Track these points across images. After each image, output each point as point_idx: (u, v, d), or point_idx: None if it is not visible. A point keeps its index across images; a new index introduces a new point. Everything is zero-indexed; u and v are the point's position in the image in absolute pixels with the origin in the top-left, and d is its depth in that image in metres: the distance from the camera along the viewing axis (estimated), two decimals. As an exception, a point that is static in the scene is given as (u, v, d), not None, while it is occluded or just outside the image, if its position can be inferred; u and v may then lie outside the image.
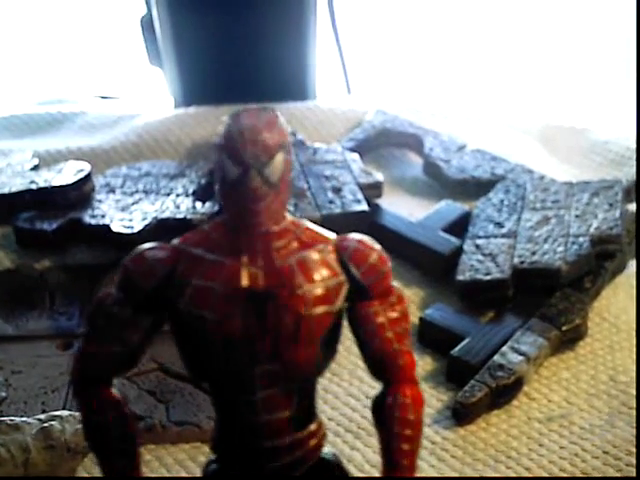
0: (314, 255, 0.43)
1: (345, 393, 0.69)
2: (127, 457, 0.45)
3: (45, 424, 0.59)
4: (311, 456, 0.46)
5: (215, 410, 0.46)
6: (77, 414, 0.60)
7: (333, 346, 0.45)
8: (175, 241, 0.44)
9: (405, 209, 0.88)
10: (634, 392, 0.68)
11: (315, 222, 0.76)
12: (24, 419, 0.59)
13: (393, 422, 0.45)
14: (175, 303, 0.43)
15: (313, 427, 0.46)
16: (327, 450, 0.47)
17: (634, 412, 0.66)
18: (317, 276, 0.43)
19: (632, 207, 0.86)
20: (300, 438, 0.45)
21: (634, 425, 0.65)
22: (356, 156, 0.89)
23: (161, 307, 0.44)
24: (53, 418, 0.59)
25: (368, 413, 0.65)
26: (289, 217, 0.44)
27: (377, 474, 0.60)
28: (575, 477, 0.62)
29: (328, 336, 0.44)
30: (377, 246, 0.45)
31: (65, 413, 0.60)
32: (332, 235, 0.45)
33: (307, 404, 0.46)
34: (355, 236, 0.45)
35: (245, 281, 0.42)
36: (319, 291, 0.43)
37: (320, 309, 0.43)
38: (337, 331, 0.45)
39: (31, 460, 0.58)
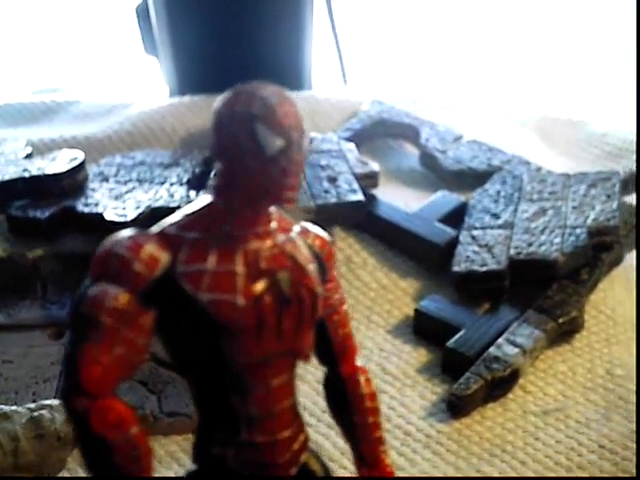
0: (298, 239, 0.43)
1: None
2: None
3: (35, 413, 0.58)
4: (303, 450, 0.43)
5: (203, 412, 0.43)
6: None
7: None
8: (156, 227, 0.41)
9: (401, 200, 0.87)
10: (631, 386, 0.68)
11: (310, 212, 0.77)
12: (14, 408, 0.59)
13: (363, 398, 0.45)
14: (191, 292, 0.39)
15: (300, 419, 0.44)
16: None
17: (631, 406, 0.66)
18: (310, 259, 0.42)
19: (629, 199, 0.85)
20: (295, 430, 0.43)
21: (630, 419, 0.64)
22: (352, 146, 0.88)
23: (165, 299, 0.40)
24: (43, 407, 0.59)
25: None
26: None
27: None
28: (575, 477, 0.61)
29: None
30: (324, 233, 0.45)
31: (55, 402, 0.59)
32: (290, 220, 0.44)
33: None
34: (306, 223, 0.45)
35: (263, 263, 0.40)
36: (315, 272, 0.42)
37: (321, 289, 0.42)
38: None
39: (20, 449, 0.57)
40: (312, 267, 0.42)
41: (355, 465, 0.46)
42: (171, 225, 0.41)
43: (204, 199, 0.41)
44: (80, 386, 0.38)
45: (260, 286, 0.40)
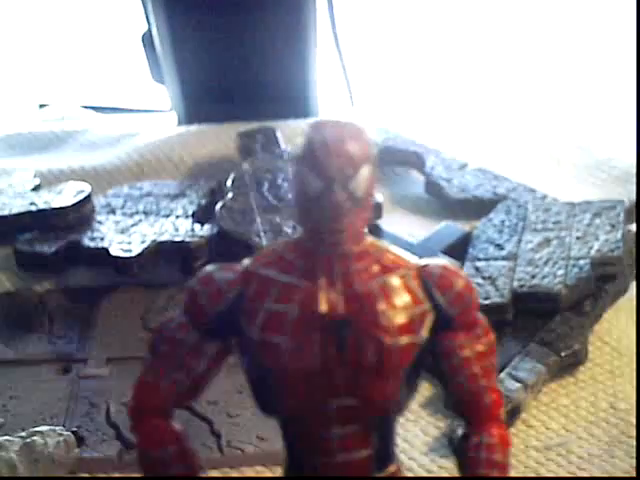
0: (396, 280, 0.41)
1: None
2: None
3: (27, 440, 0.60)
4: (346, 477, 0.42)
5: (286, 448, 0.44)
6: (57, 428, 0.62)
7: (415, 381, 0.43)
8: (245, 262, 0.42)
9: (406, 228, 0.88)
10: (633, 420, 0.68)
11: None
12: (6, 437, 0.60)
13: (479, 464, 0.43)
14: (245, 329, 0.41)
15: (393, 468, 0.44)
16: None
17: (633, 441, 0.66)
18: (400, 303, 0.41)
19: (634, 227, 0.85)
20: (379, 478, 0.43)
21: (633, 455, 0.64)
22: (357, 176, 0.88)
23: (229, 333, 0.42)
24: (34, 434, 0.61)
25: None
26: (369, 238, 0.42)
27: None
28: (575, 477, 0.62)
29: (411, 370, 0.42)
30: (463, 272, 0.44)
31: (45, 428, 0.61)
32: (414, 259, 0.43)
33: (386, 443, 0.43)
34: (439, 261, 0.43)
35: (323, 306, 0.40)
36: (403, 319, 0.41)
37: (404, 339, 0.41)
38: (420, 364, 0.42)
39: (18, 475, 0.59)
40: (394, 314, 0.40)
41: None
42: (256, 260, 0.42)
43: (295, 236, 0.42)
44: (134, 405, 0.43)
45: (309, 330, 0.40)
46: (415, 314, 0.41)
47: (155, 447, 0.43)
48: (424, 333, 0.41)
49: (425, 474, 0.63)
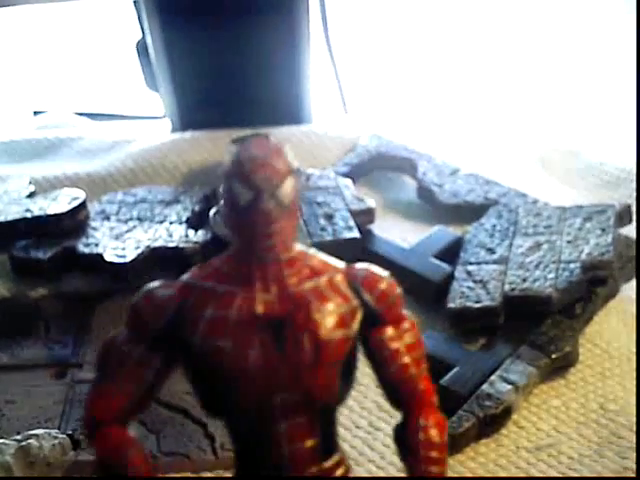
0: (326, 281, 0.44)
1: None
2: None
3: (23, 443, 0.60)
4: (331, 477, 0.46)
5: (235, 446, 0.47)
6: (52, 431, 0.62)
7: (352, 374, 0.46)
8: (184, 276, 0.45)
9: (399, 233, 0.88)
10: (623, 421, 0.68)
11: (306, 250, 0.78)
12: (1, 441, 0.61)
13: (418, 446, 0.45)
14: (189, 338, 0.43)
15: (337, 457, 0.46)
16: None
17: (623, 442, 0.66)
18: (331, 300, 0.44)
19: (624, 231, 0.86)
20: (327, 468, 0.45)
21: (623, 455, 0.65)
22: (349, 182, 0.89)
23: (173, 344, 0.44)
24: (29, 437, 0.61)
25: (357, 442, 0.66)
26: (298, 246, 0.45)
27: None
28: (575, 477, 0.63)
29: (346, 362, 0.45)
30: (385, 273, 0.47)
31: (40, 431, 0.62)
32: (340, 264, 0.46)
33: (330, 433, 0.46)
34: (363, 265, 0.46)
35: (260, 308, 0.43)
36: (335, 315, 0.43)
37: (338, 333, 0.43)
38: (354, 358, 0.45)
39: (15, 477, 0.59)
40: (326, 311, 0.43)
41: None
42: (194, 274, 0.45)
43: (227, 251, 0.45)
44: (89, 416, 0.45)
45: (249, 331, 0.43)
46: (345, 310, 0.44)
47: (112, 453, 0.45)
48: (355, 327, 0.44)
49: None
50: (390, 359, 0.46)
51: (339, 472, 0.46)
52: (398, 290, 0.47)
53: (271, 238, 0.43)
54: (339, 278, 0.45)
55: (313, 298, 0.43)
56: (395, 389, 0.46)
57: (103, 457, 0.45)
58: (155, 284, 0.45)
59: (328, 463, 0.45)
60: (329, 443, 0.46)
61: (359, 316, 0.45)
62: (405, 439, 0.46)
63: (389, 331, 0.46)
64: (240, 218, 0.43)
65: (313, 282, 0.44)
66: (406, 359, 0.46)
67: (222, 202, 0.44)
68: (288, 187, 0.43)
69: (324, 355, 0.43)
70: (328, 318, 0.43)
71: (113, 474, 0.45)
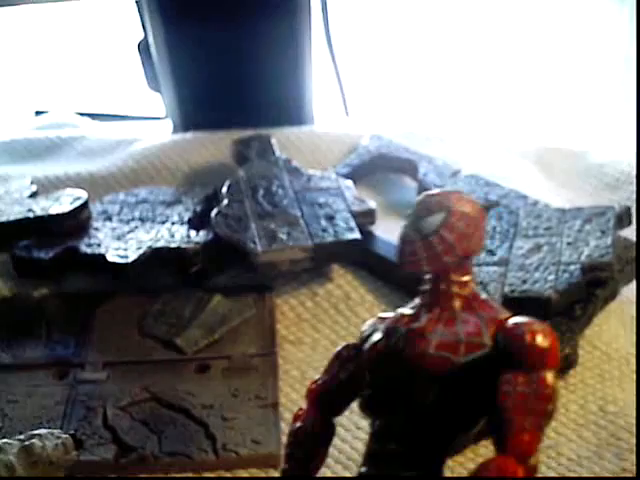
0: (470, 316, 0.50)
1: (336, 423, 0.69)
2: None
3: (26, 442, 0.60)
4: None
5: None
6: (55, 431, 0.62)
7: None
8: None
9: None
10: (622, 423, 0.69)
11: (307, 250, 0.78)
12: (4, 440, 0.61)
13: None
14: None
15: None
16: None
17: (622, 444, 0.67)
18: (459, 328, 0.49)
19: (624, 232, 0.86)
20: None
21: (622, 457, 0.65)
22: (350, 183, 0.89)
23: None
24: (32, 437, 0.61)
25: (358, 444, 0.67)
26: (479, 295, 0.51)
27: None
28: (575, 477, 0.63)
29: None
30: (540, 327, 0.47)
31: (43, 431, 0.62)
32: (506, 313, 0.50)
33: None
34: (522, 318, 0.48)
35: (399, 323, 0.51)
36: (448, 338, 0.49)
37: (440, 351, 0.49)
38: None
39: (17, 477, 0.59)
40: (443, 337, 0.49)
41: None
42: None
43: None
44: None
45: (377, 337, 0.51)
46: (469, 341, 0.49)
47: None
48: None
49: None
50: (500, 396, 0.46)
51: None
52: (547, 342, 0.47)
53: (414, 265, 0.52)
54: (488, 319, 0.50)
55: (437, 328, 0.50)
56: (494, 429, 0.47)
57: None
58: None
59: None
60: None
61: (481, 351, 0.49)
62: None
63: (511, 374, 0.46)
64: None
65: (462, 316, 0.51)
66: (509, 403, 0.46)
67: None
68: (433, 219, 0.51)
69: (429, 366, 0.49)
70: (434, 340, 0.49)
71: None
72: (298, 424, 0.55)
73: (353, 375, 0.53)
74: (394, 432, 0.50)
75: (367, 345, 0.52)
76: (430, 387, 0.49)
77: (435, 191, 0.51)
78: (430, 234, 0.49)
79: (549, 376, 0.46)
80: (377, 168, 0.99)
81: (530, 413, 0.46)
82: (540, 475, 0.63)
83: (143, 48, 1.05)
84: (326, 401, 0.55)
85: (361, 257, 0.83)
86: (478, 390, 0.48)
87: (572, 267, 0.78)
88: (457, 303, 0.50)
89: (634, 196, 0.96)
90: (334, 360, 0.55)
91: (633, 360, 0.75)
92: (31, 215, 0.83)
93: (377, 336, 0.51)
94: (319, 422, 0.55)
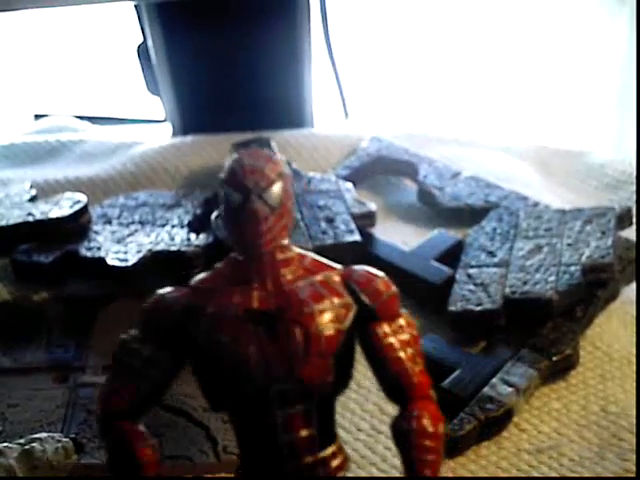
0: (320, 280, 0.48)
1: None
2: None
3: (26, 446, 0.60)
4: (333, 477, 0.48)
5: (237, 438, 0.50)
6: (56, 435, 0.62)
7: (347, 368, 0.49)
8: (191, 282, 0.49)
9: (400, 236, 0.88)
10: (624, 423, 0.69)
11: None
12: (5, 444, 0.61)
13: (412, 436, 0.47)
14: (194, 336, 0.47)
15: (334, 448, 0.49)
16: None
17: (624, 444, 0.67)
18: (324, 297, 0.47)
19: (625, 233, 0.86)
20: (322, 458, 0.48)
21: (624, 457, 0.65)
22: (350, 185, 0.89)
23: (181, 344, 0.48)
24: (33, 440, 0.61)
25: (359, 445, 0.67)
26: (295, 249, 0.49)
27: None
28: (575, 477, 0.63)
29: (340, 356, 0.47)
30: (381, 273, 0.50)
31: (44, 435, 0.62)
32: (337, 265, 0.49)
33: (327, 424, 0.49)
34: (359, 266, 0.50)
35: (255, 303, 0.46)
36: (327, 310, 0.47)
37: (329, 327, 0.46)
38: (350, 353, 0.49)
39: None
40: (318, 306, 0.46)
41: None
42: (199, 279, 0.49)
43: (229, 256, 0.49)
44: (101, 411, 0.49)
45: (246, 326, 0.46)
46: (338, 305, 0.47)
47: (123, 447, 0.48)
48: (347, 322, 0.47)
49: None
50: (385, 353, 0.48)
51: (335, 462, 0.48)
52: (393, 288, 0.50)
53: (260, 236, 0.46)
54: (335, 278, 0.48)
55: (305, 294, 0.47)
56: (391, 383, 0.48)
57: (113, 450, 0.48)
58: (166, 289, 0.49)
59: (325, 453, 0.48)
60: (326, 434, 0.49)
61: (352, 312, 0.48)
62: (399, 429, 0.48)
63: (384, 327, 0.48)
64: (232, 219, 0.47)
65: (307, 280, 0.47)
66: (401, 353, 0.48)
67: (221, 208, 0.48)
68: (276, 190, 0.46)
69: (314, 347, 0.46)
70: (319, 313, 0.46)
71: (122, 468, 0.48)
72: None
73: None
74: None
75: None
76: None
77: (245, 155, 0.47)
78: (277, 206, 0.47)
79: (406, 317, 0.49)
80: (377, 170, 0.99)
81: (415, 355, 0.49)
82: (542, 477, 0.63)
83: (142, 52, 1.05)
84: None
85: (361, 259, 0.82)
86: (351, 344, 0.49)
87: (573, 268, 0.78)
88: (298, 270, 0.48)
89: (635, 196, 0.96)
90: None
91: (634, 360, 0.75)
92: (31, 219, 0.83)
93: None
94: None
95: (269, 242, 0.47)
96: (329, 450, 0.48)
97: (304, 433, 0.47)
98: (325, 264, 0.49)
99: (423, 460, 0.47)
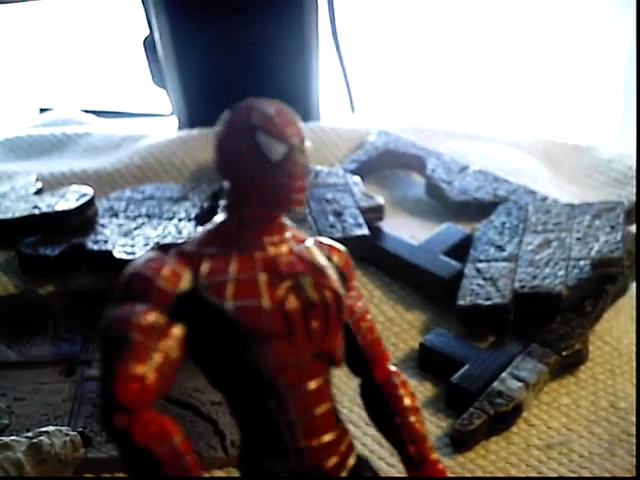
0: (314, 248, 0.45)
1: (345, 420, 0.69)
2: None
3: (34, 440, 0.60)
4: (350, 453, 0.45)
5: (245, 425, 0.44)
6: (63, 428, 0.62)
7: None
8: (177, 249, 0.43)
9: (407, 230, 0.88)
10: (634, 419, 0.68)
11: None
12: (13, 438, 0.60)
13: (402, 399, 0.48)
14: (214, 304, 0.41)
15: (342, 424, 0.46)
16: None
17: (633, 440, 0.66)
18: (328, 264, 0.45)
19: (633, 228, 0.86)
20: (339, 434, 0.45)
21: (633, 453, 0.65)
22: (357, 179, 0.89)
23: (192, 315, 0.41)
24: (41, 434, 0.61)
25: (367, 440, 0.66)
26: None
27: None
28: (575, 477, 0.63)
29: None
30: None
31: (51, 428, 0.62)
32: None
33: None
34: (320, 237, 0.47)
35: (284, 267, 0.43)
36: (336, 276, 0.45)
37: (342, 290, 0.45)
38: None
39: (25, 475, 0.59)
40: (331, 271, 0.44)
41: (404, 467, 0.49)
42: (189, 245, 0.43)
43: (218, 218, 0.44)
44: (118, 403, 0.39)
45: (283, 289, 0.42)
46: (335, 272, 0.45)
47: (159, 442, 0.40)
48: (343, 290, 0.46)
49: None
50: (359, 322, 0.48)
51: (346, 440, 0.45)
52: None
53: (302, 192, 0.43)
54: (316, 246, 0.46)
55: (317, 259, 0.44)
56: (363, 350, 0.48)
57: (146, 448, 0.39)
58: (151, 254, 0.43)
59: (340, 429, 0.45)
60: (336, 408, 0.46)
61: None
62: (379, 398, 0.48)
63: (353, 296, 0.47)
64: (270, 173, 0.42)
65: (304, 247, 0.44)
66: (368, 322, 0.48)
67: (235, 162, 0.42)
68: (309, 145, 0.43)
69: (342, 311, 0.44)
70: (334, 277, 0.44)
71: (155, 465, 0.40)
72: None
73: None
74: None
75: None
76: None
77: (272, 106, 0.42)
78: (306, 164, 0.43)
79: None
80: (384, 164, 0.99)
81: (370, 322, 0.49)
82: (552, 472, 0.63)
83: (149, 45, 1.05)
84: None
85: (369, 253, 0.82)
86: None
87: (582, 262, 0.77)
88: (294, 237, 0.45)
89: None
90: None
91: (643, 355, 0.75)
92: (37, 212, 0.83)
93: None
94: None
95: (304, 199, 0.43)
96: (342, 425, 0.45)
97: (328, 406, 0.44)
98: (299, 232, 0.46)
99: (418, 421, 0.48)
